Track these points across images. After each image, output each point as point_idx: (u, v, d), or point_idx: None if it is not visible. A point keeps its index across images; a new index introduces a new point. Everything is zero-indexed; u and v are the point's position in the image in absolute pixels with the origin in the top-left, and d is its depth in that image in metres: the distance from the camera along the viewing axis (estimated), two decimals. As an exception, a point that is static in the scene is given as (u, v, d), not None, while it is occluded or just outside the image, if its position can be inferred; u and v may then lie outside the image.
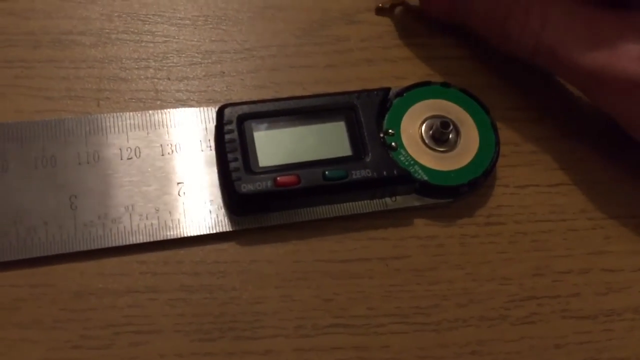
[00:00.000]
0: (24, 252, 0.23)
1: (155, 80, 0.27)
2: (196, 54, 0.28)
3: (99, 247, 0.24)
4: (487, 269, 0.25)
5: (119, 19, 0.28)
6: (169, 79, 0.27)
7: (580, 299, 0.25)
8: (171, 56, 0.28)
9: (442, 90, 0.27)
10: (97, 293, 0.23)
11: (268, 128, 0.25)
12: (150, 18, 0.28)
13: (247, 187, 0.24)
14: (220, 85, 0.27)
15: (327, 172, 0.24)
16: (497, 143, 0.26)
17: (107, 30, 0.28)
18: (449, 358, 0.24)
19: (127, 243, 0.24)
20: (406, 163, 0.25)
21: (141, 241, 0.24)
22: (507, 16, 0.25)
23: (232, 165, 0.24)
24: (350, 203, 0.25)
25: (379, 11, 0.29)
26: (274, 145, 0.25)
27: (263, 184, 0.24)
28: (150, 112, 0.26)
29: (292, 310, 0.24)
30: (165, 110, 0.26)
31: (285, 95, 0.27)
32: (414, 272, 0.25)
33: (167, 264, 0.24)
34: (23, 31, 0.27)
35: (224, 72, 0.28)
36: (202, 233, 0.24)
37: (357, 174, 0.24)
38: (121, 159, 0.25)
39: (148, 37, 0.28)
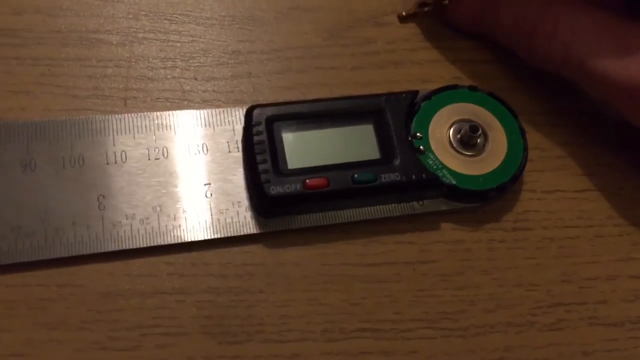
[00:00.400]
0: (52, 252, 0.23)
1: (182, 80, 0.27)
2: (223, 54, 0.28)
3: (127, 247, 0.23)
4: (514, 275, 0.25)
5: (145, 18, 0.28)
6: (195, 79, 0.27)
7: (608, 306, 0.25)
8: (198, 56, 0.27)
9: (470, 93, 0.27)
10: (125, 294, 0.23)
11: (296, 130, 0.25)
12: (176, 17, 0.28)
13: (276, 189, 0.23)
14: (247, 86, 0.27)
15: (356, 175, 0.24)
16: (525, 148, 0.26)
17: (134, 29, 0.28)
18: (477, 364, 0.24)
19: (155, 244, 0.24)
20: (434, 167, 0.25)
21: (169, 242, 0.24)
22: (535, 28, 0.25)
23: (261, 167, 0.24)
24: (377, 207, 0.25)
25: (402, 19, 0.29)
26: (302, 147, 0.25)
27: (292, 186, 0.23)
28: (178, 112, 0.26)
29: (319, 314, 0.24)
30: (192, 110, 0.26)
31: (312, 96, 0.27)
32: (440, 277, 0.25)
33: (195, 266, 0.24)
34: (50, 29, 0.27)
35: (250, 73, 0.27)
36: (229, 235, 0.24)
37: (386, 178, 0.24)
38: (149, 159, 0.25)
39: (175, 36, 0.28)
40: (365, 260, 0.25)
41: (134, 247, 0.23)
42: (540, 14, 0.25)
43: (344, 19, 0.29)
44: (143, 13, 0.28)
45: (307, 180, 0.24)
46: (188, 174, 0.25)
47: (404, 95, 0.26)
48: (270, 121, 0.25)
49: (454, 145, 0.26)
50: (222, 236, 0.24)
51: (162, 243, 0.24)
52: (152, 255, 0.24)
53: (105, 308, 0.23)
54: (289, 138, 0.25)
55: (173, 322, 0.23)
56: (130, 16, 0.28)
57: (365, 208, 0.25)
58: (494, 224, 0.26)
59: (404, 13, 0.29)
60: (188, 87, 0.27)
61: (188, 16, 0.28)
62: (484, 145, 0.26)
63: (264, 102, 0.25)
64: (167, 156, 0.25)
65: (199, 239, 0.24)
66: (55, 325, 0.23)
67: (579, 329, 0.25)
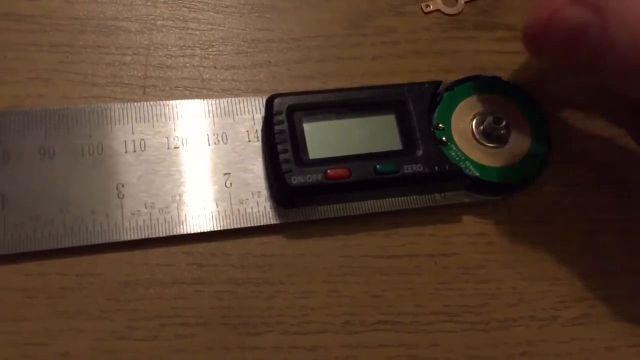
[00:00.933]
0: (71, 241, 0.23)
1: (202, 68, 0.27)
2: (242, 43, 0.27)
3: (147, 236, 0.23)
4: (537, 269, 0.25)
5: (164, 5, 0.27)
6: (215, 67, 0.27)
7: (632, 302, 0.25)
8: (217, 44, 0.27)
9: (493, 84, 0.26)
10: (144, 283, 0.23)
11: (318, 120, 0.24)
12: (195, 5, 0.28)
13: (297, 179, 0.23)
14: (266, 75, 0.27)
15: (378, 166, 0.24)
16: (549, 140, 0.25)
17: (153, 17, 0.27)
18: (500, 358, 0.23)
19: (175, 233, 0.23)
20: (457, 158, 0.25)
21: (188, 232, 0.23)
22: None
23: (282, 156, 0.23)
24: (399, 198, 0.25)
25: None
26: (323, 138, 0.24)
27: (313, 176, 0.23)
28: (197, 100, 0.25)
29: (339, 306, 0.23)
30: (212, 99, 0.25)
31: (332, 86, 0.27)
32: (462, 270, 0.25)
33: (214, 256, 0.24)
34: (68, 16, 0.27)
35: (270, 62, 0.27)
36: (248, 225, 0.24)
37: (409, 169, 0.24)
38: (168, 148, 0.24)
39: (194, 24, 0.27)
40: (386, 252, 0.24)
41: (154, 236, 0.23)
42: None
43: (365, 7, 0.29)
44: (162, 0, 0.28)
45: (329, 171, 0.23)
46: (207, 163, 0.24)
47: (426, 85, 0.25)
48: (291, 110, 0.24)
49: (477, 136, 0.25)
50: (242, 226, 0.24)
51: (182, 232, 0.23)
52: (171, 245, 0.24)
53: (124, 297, 0.23)
54: (310, 128, 0.24)
55: (192, 312, 0.23)
56: (149, 3, 0.27)
57: (387, 199, 0.25)
58: (516, 216, 0.26)
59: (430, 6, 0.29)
60: (207, 76, 0.26)
61: (207, 4, 0.28)
62: (507, 137, 0.25)
63: (284, 92, 0.25)
64: (186, 145, 0.25)
65: (218, 229, 0.24)
66: (74, 314, 0.22)
67: (602, 324, 0.24)
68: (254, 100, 0.26)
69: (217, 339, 0.23)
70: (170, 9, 0.27)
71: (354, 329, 0.23)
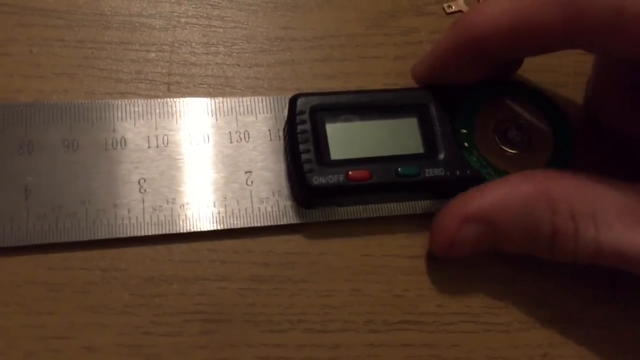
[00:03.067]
0: (93, 234, 0.23)
1: (225, 66, 0.27)
2: (265, 41, 0.27)
3: (168, 232, 0.23)
4: (559, 271, 0.25)
5: (188, 3, 0.28)
6: (238, 65, 0.27)
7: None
8: (240, 42, 0.27)
9: (516, 88, 0.26)
10: (168, 279, 0.23)
11: (340, 121, 0.24)
12: (219, 3, 0.28)
13: (318, 179, 0.23)
14: (289, 74, 0.27)
15: (400, 169, 0.24)
16: (573, 144, 0.25)
17: (177, 14, 0.27)
18: (520, 359, 0.23)
19: (195, 230, 0.24)
20: (478, 164, 0.25)
21: (208, 229, 0.24)
22: (555, 233, 0.22)
23: (304, 156, 0.23)
24: (420, 202, 0.25)
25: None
26: (346, 139, 0.24)
27: (335, 177, 0.23)
28: (220, 98, 0.25)
29: (362, 305, 0.24)
30: (235, 97, 0.25)
31: (354, 85, 0.27)
32: (483, 271, 0.25)
33: (237, 253, 0.24)
34: (94, 12, 0.27)
35: (293, 60, 0.27)
36: (268, 224, 0.24)
37: (430, 172, 0.24)
38: (190, 144, 0.25)
39: (217, 22, 0.27)
40: (407, 252, 0.25)
41: (175, 231, 0.23)
42: (554, 216, 0.22)
43: (387, 7, 0.29)
44: (186, -3, 0.28)
45: (350, 172, 0.23)
46: (229, 160, 0.25)
47: (448, 89, 0.25)
48: (314, 111, 0.24)
49: (499, 141, 0.25)
50: (262, 225, 0.24)
51: (202, 229, 0.24)
52: (194, 241, 0.24)
53: (148, 293, 0.23)
54: (332, 128, 0.24)
55: (215, 309, 0.23)
56: (174, 1, 0.28)
57: (407, 203, 0.25)
58: (537, 218, 0.26)
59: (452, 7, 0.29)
60: (230, 74, 0.27)
61: (231, 1, 0.28)
62: (529, 142, 0.25)
63: (306, 90, 0.25)
64: (208, 142, 0.25)
65: (238, 227, 0.24)
66: (98, 308, 0.22)
67: (626, 328, 0.24)
68: (277, 100, 0.26)
69: (240, 335, 0.23)
70: (194, 6, 0.28)
71: (376, 327, 0.23)
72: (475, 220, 0.22)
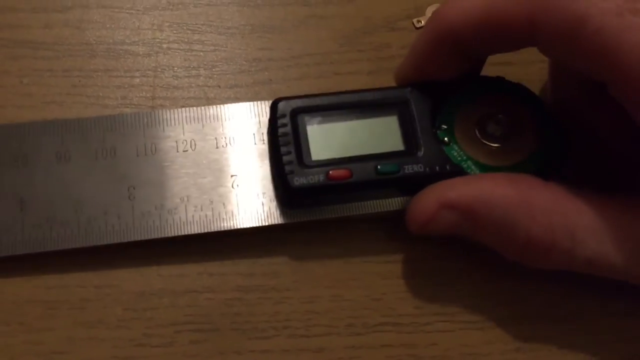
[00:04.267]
0: (85, 241, 0.24)
1: (206, 88, 0.28)
2: (244, 62, 0.29)
3: (156, 237, 0.24)
4: (533, 270, 0.26)
5: (169, 29, 0.29)
6: (219, 86, 0.28)
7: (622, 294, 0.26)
8: (220, 64, 0.29)
9: (497, 84, 0.26)
10: (158, 293, 0.25)
11: (321, 122, 0.25)
12: (199, 27, 0.29)
13: (299, 180, 0.24)
14: (267, 93, 0.28)
15: (379, 167, 0.24)
16: (559, 138, 0.25)
17: (159, 40, 0.29)
18: (495, 355, 0.25)
19: (183, 233, 0.24)
20: (459, 158, 0.25)
21: (196, 232, 0.24)
22: (529, 241, 0.22)
23: (285, 158, 0.24)
24: (402, 198, 0.25)
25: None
26: (326, 139, 0.25)
27: (315, 177, 0.24)
28: (205, 106, 0.26)
29: (343, 310, 0.25)
30: (218, 105, 0.26)
31: (330, 101, 0.28)
32: (460, 273, 0.26)
33: (223, 265, 0.25)
34: (80, 41, 0.28)
35: (271, 80, 0.29)
36: (254, 225, 0.25)
37: (409, 169, 0.24)
38: (177, 151, 0.25)
39: (198, 46, 0.29)
40: (385, 258, 0.26)
41: (163, 236, 0.24)
42: (531, 222, 0.22)
43: (360, 25, 0.30)
44: (167, 24, 0.29)
45: (331, 172, 0.24)
46: (215, 165, 0.25)
47: (429, 86, 0.26)
48: (295, 113, 0.25)
49: (479, 136, 0.25)
50: (248, 226, 0.25)
51: (190, 232, 0.24)
52: (183, 256, 0.25)
53: (140, 307, 0.24)
54: (313, 130, 0.25)
55: (204, 319, 0.24)
56: (155, 27, 0.29)
57: (390, 200, 0.25)
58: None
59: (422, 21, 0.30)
60: (212, 95, 0.28)
61: (210, 26, 0.29)
62: (510, 137, 0.25)
63: (290, 95, 0.26)
64: (195, 148, 0.26)
65: (225, 229, 0.24)
66: (94, 323, 0.24)
67: (594, 321, 0.25)
68: (260, 105, 0.26)
69: (229, 343, 0.24)
70: (175, 32, 0.29)
71: (357, 330, 0.25)
72: (455, 207, 0.23)
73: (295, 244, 0.26)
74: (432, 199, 0.23)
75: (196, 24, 0.29)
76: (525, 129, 0.26)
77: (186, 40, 0.29)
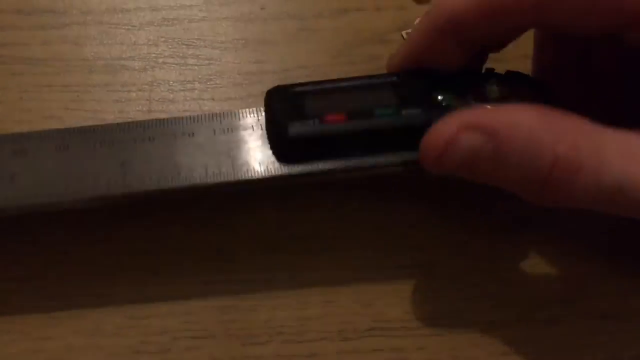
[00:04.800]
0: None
1: (201, 101, 0.29)
2: (238, 75, 0.30)
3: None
4: (515, 273, 0.27)
5: (164, 44, 0.30)
6: (213, 99, 0.29)
7: (607, 300, 0.27)
8: (215, 78, 0.29)
9: (500, 75, 0.25)
10: (155, 301, 0.25)
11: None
12: (193, 42, 0.30)
13: (295, 127, 0.23)
14: (261, 105, 0.29)
15: (376, 110, 0.24)
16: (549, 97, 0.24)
17: (154, 55, 0.30)
18: (481, 358, 0.25)
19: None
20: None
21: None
22: (556, 162, 0.21)
23: (281, 115, 0.24)
24: (400, 153, 0.24)
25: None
26: (322, 99, 0.25)
27: (311, 122, 0.24)
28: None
29: (335, 316, 0.26)
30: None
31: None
32: (450, 279, 0.27)
33: (220, 273, 0.26)
34: (78, 57, 0.29)
35: (264, 92, 0.29)
36: (254, 177, 0.24)
37: (407, 114, 0.24)
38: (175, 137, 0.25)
39: (192, 60, 0.30)
40: (374, 264, 0.27)
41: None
42: (554, 153, 0.21)
43: (350, 38, 0.31)
44: (162, 39, 0.30)
45: (326, 116, 0.24)
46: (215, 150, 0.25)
47: (423, 71, 0.25)
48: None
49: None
50: (249, 178, 0.24)
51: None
52: (177, 264, 0.26)
53: (137, 315, 0.25)
54: (309, 92, 0.25)
55: (200, 327, 0.25)
56: (151, 42, 0.30)
57: (387, 155, 0.24)
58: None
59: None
60: (206, 108, 0.29)
61: (204, 41, 0.30)
62: (509, 98, 0.24)
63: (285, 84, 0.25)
64: (192, 136, 0.25)
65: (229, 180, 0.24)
66: (92, 331, 0.25)
67: (574, 323, 0.26)
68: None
69: (224, 350, 0.25)
70: (170, 47, 0.30)
71: (348, 336, 0.25)
72: (479, 128, 0.22)
73: (289, 252, 0.26)
74: (452, 123, 0.22)
75: (191, 39, 0.30)
76: (524, 94, 0.25)
77: (181, 54, 0.30)
